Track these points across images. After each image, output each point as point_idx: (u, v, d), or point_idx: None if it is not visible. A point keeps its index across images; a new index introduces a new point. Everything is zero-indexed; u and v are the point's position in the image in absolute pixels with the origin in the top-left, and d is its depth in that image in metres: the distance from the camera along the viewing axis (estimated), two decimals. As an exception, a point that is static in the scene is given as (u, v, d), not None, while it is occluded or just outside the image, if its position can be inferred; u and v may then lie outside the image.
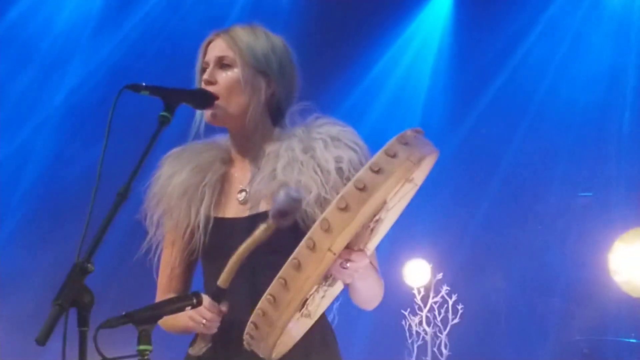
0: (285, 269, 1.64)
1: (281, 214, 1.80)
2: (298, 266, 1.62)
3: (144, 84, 1.87)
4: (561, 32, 7.15)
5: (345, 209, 1.59)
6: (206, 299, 1.90)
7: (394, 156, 1.62)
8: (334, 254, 1.62)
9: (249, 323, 1.73)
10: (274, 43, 2.11)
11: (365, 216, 1.63)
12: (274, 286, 1.66)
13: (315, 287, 1.81)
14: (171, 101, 1.89)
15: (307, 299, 1.80)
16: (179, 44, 6.40)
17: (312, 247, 1.61)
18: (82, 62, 6.86)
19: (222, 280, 1.90)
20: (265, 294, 1.68)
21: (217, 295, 1.92)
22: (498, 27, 7.12)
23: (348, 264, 1.78)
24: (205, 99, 2.05)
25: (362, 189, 1.59)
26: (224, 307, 1.93)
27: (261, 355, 1.80)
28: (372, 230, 1.78)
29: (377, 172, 1.60)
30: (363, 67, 7.40)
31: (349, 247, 1.75)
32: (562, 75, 7.07)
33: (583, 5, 7.12)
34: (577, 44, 7.09)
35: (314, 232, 1.62)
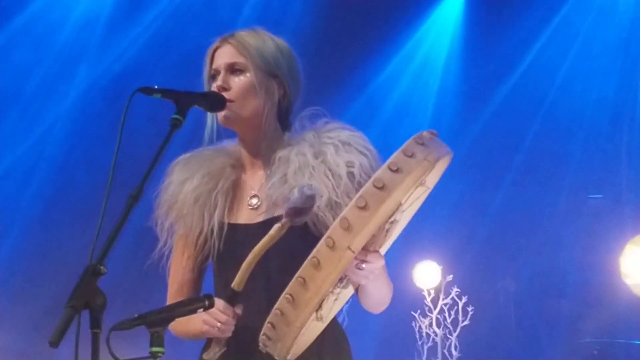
0: (305, 268, 1.66)
1: (296, 211, 1.82)
2: (317, 265, 1.64)
3: (156, 87, 1.88)
4: (572, 34, 7.13)
5: (364, 207, 1.61)
6: (221, 302, 1.90)
7: (411, 156, 1.64)
8: (353, 252, 1.64)
9: (266, 323, 1.73)
10: (279, 46, 2.13)
11: (385, 215, 1.65)
12: (292, 285, 1.67)
13: (331, 288, 1.81)
14: (183, 104, 1.90)
15: (323, 300, 1.81)
16: (188, 46, 6.41)
17: (332, 246, 1.63)
18: (94, 64, 6.88)
19: (237, 282, 1.90)
20: (283, 294, 1.68)
21: (232, 298, 1.93)
22: (509, 29, 7.11)
23: (364, 265, 1.79)
24: (217, 102, 2.05)
25: (381, 188, 1.62)
26: (238, 310, 1.93)
27: (276, 357, 1.80)
28: (387, 231, 1.79)
29: (396, 171, 1.62)
30: (373, 70, 7.39)
31: (364, 248, 1.76)
32: (572, 78, 7.06)
33: (594, 6, 7.10)
34: (588, 46, 7.07)
35: (334, 230, 1.63)
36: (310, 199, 1.82)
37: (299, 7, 6.97)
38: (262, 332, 1.75)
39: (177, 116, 1.87)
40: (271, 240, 1.85)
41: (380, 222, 1.67)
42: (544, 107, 7.12)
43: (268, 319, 1.72)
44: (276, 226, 1.84)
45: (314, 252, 1.65)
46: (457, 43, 7.47)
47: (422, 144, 1.66)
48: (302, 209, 1.81)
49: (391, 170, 1.63)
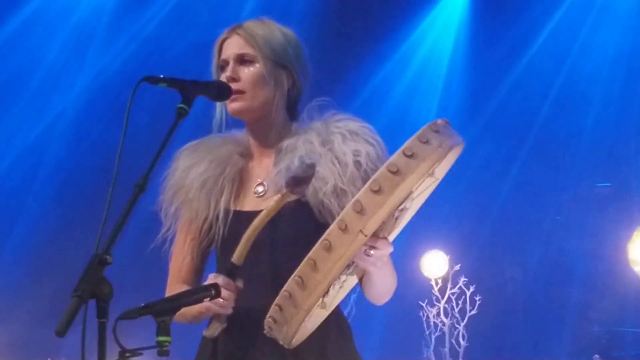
0: (316, 250, 1.66)
1: (296, 180, 1.82)
2: (329, 247, 1.64)
3: (161, 76, 1.88)
4: (578, 24, 7.11)
5: (378, 191, 1.62)
6: (221, 277, 1.90)
7: (426, 142, 1.65)
8: (366, 235, 1.64)
9: (273, 306, 1.73)
10: (287, 35, 2.14)
11: (398, 199, 1.65)
12: (302, 267, 1.67)
13: (342, 271, 1.81)
14: (189, 93, 1.89)
15: (331, 284, 1.81)
16: (192, 40, 6.42)
17: (344, 229, 1.63)
18: (100, 53, 6.88)
19: (236, 256, 1.90)
20: (293, 276, 1.68)
21: (232, 272, 1.92)
22: (515, 19, 7.09)
23: (372, 252, 1.79)
24: (223, 91, 2.05)
25: (396, 172, 1.62)
26: (239, 284, 1.93)
27: (280, 342, 1.80)
28: (396, 219, 1.80)
29: (411, 156, 1.63)
30: (378, 63, 7.38)
31: (374, 234, 1.76)
32: (580, 66, 7.04)
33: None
34: (595, 35, 7.05)
35: (346, 213, 1.63)
36: (310, 167, 1.82)
37: (302, 3, 6.96)
38: (268, 315, 1.75)
39: (182, 105, 1.87)
40: (271, 212, 1.85)
41: (393, 207, 1.66)
42: (550, 97, 7.10)
43: (275, 301, 1.72)
44: (276, 197, 1.84)
45: (325, 235, 1.65)
46: (463, 35, 7.46)
47: (437, 131, 1.67)
48: (302, 177, 1.81)
49: (406, 155, 1.63)
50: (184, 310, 1.90)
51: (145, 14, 6.99)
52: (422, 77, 7.56)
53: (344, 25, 6.95)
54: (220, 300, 1.90)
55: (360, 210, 1.62)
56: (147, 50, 6.81)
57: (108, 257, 1.61)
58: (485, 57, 7.25)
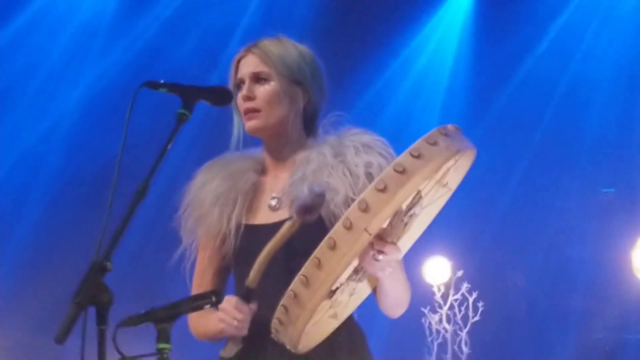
0: (320, 249, 1.67)
1: (305, 209, 1.83)
2: (333, 245, 1.65)
3: (162, 81, 1.88)
4: (582, 28, 7.10)
5: (383, 190, 1.63)
6: (235, 300, 1.93)
7: (434, 144, 1.66)
8: (370, 234, 1.65)
9: (279, 306, 1.74)
10: (302, 53, 2.18)
11: (402, 199, 1.66)
12: (307, 266, 1.68)
13: (346, 276, 1.82)
14: (189, 98, 1.89)
15: (337, 288, 1.81)
16: (193, 45, 6.41)
17: (349, 227, 1.64)
18: (100, 58, 6.89)
19: (251, 279, 1.92)
20: (298, 275, 1.70)
21: (246, 295, 1.94)
22: (519, 22, 7.08)
23: (380, 256, 1.79)
24: (223, 96, 2.05)
25: (402, 172, 1.63)
26: (253, 307, 1.95)
27: (287, 346, 1.81)
28: (405, 225, 1.80)
29: (417, 157, 1.64)
30: (380, 66, 7.37)
31: (382, 240, 1.77)
32: (583, 71, 7.03)
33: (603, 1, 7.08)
34: (599, 39, 7.04)
35: (351, 212, 1.65)
36: (319, 196, 1.83)
37: (304, 6, 6.96)
38: (274, 316, 1.76)
39: (183, 111, 1.87)
40: (282, 237, 1.87)
41: (397, 206, 1.67)
42: (554, 101, 7.09)
43: (281, 302, 1.73)
44: (287, 224, 1.86)
45: (330, 233, 1.66)
46: (466, 38, 7.45)
47: (446, 135, 1.68)
48: (311, 206, 1.82)
49: (412, 155, 1.64)
50: (203, 328, 1.99)
51: (146, 18, 7.00)
52: (424, 81, 7.55)
53: (346, 29, 6.94)
54: (235, 322, 1.92)
55: (365, 209, 1.63)
56: (148, 55, 6.81)
57: (108, 264, 1.61)
58: (487, 62, 7.24)
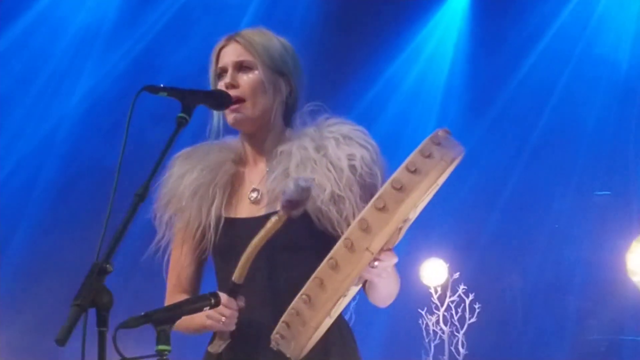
0: (322, 269, 1.66)
1: (291, 204, 1.81)
2: (335, 266, 1.64)
3: (162, 85, 1.88)
4: (578, 30, 7.11)
5: (383, 209, 1.62)
6: (223, 296, 1.90)
7: (429, 156, 1.65)
8: (372, 253, 1.65)
9: (280, 323, 1.73)
10: (284, 44, 2.15)
11: (403, 216, 1.66)
12: (309, 286, 1.67)
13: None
14: (189, 102, 1.90)
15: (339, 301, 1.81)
16: (193, 46, 6.42)
17: (350, 247, 1.63)
18: (100, 62, 6.89)
19: (237, 275, 1.90)
20: (300, 294, 1.69)
21: (233, 291, 1.92)
22: (516, 24, 7.09)
23: (376, 263, 1.79)
24: (223, 100, 2.06)
25: (400, 189, 1.63)
26: (240, 302, 1.94)
27: (288, 355, 1.81)
28: (400, 230, 1.80)
29: (414, 172, 1.64)
30: (380, 67, 7.37)
31: None
32: (578, 75, 7.04)
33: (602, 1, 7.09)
34: (595, 42, 7.05)
35: (352, 232, 1.64)
36: (306, 191, 1.81)
37: (304, 6, 6.97)
38: (275, 331, 1.76)
39: (183, 115, 1.87)
40: (268, 233, 1.85)
41: (398, 223, 1.67)
42: (550, 104, 7.10)
43: (282, 318, 1.72)
44: (273, 219, 1.84)
45: (331, 253, 1.65)
46: (464, 39, 7.46)
47: (439, 144, 1.67)
48: (297, 201, 1.81)
49: (409, 171, 1.63)
50: (186, 322, 1.91)
51: (146, 21, 7.00)
52: (422, 83, 7.55)
53: (344, 32, 6.95)
54: (223, 318, 1.91)
55: (365, 229, 1.62)
56: (148, 59, 6.82)
57: (108, 265, 1.61)
58: (484, 65, 7.25)
